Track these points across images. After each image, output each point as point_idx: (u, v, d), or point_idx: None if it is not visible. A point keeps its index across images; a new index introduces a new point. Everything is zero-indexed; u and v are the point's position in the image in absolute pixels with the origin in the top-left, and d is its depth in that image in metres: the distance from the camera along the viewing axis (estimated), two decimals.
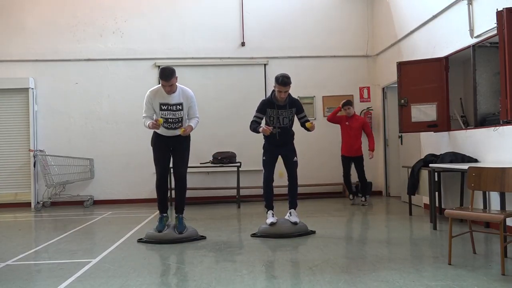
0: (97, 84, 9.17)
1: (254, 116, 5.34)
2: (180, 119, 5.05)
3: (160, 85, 4.98)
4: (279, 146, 5.37)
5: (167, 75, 4.82)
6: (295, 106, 5.34)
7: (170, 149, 5.18)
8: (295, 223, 5.23)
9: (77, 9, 9.19)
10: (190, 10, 9.34)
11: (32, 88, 8.92)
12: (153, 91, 5.05)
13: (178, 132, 5.04)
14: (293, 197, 5.39)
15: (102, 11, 9.21)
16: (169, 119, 5.03)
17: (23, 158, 8.91)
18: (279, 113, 5.27)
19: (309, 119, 5.46)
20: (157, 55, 9.24)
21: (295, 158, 5.39)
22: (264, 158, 5.41)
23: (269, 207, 5.38)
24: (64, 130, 9.08)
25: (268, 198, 5.39)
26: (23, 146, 8.91)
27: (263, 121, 5.39)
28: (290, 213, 5.33)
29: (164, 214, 5.19)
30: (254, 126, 5.28)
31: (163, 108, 5.00)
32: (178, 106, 5.00)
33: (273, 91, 5.28)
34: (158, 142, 5.18)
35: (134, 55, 9.21)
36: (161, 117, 5.01)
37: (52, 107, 9.07)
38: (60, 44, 9.11)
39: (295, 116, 5.38)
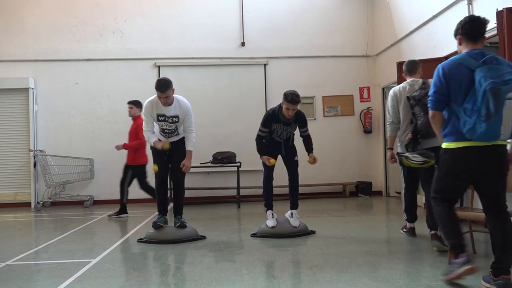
0: (97, 84, 9.17)
1: (260, 131, 5.23)
2: (176, 128, 5.08)
3: (155, 96, 4.94)
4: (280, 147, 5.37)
5: (162, 86, 4.79)
6: (299, 122, 5.27)
7: (167, 153, 5.15)
8: (295, 227, 5.19)
9: (77, 9, 9.19)
10: (190, 10, 9.34)
11: (32, 88, 8.92)
12: (150, 102, 5.00)
13: (176, 139, 5.11)
14: (294, 197, 5.34)
15: (102, 11, 9.22)
16: (166, 130, 5.08)
17: (23, 158, 8.92)
18: (284, 129, 5.23)
19: (308, 133, 5.37)
20: (157, 55, 9.25)
21: (296, 157, 5.34)
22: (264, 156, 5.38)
23: (269, 206, 5.35)
24: (64, 130, 9.08)
25: (268, 198, 5.36)
26: (23, 146, 8.92)
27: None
28: (291, 214, 5.29)
29: (163, 217, 5.16)
30: (260, 146, 5.23)
31: (160, 119, 5.01)
32: (174, 119, 5.01)
33: (280, 106, 5.13)
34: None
35: (134, 55, 9.21)
36: (160, 128, 5.05)
37: (52, 107, 9.07)
38: (60, 44, 9.12)
39: (299, 129, 5.34)
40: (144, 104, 5.05)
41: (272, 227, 5.16)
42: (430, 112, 3.18)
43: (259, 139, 5.23)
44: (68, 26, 9.15)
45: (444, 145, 3.12)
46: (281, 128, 5.21)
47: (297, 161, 5.35)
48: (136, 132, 6.99)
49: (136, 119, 7.07)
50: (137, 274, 3.73)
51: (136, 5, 9.29)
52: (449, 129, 3.06)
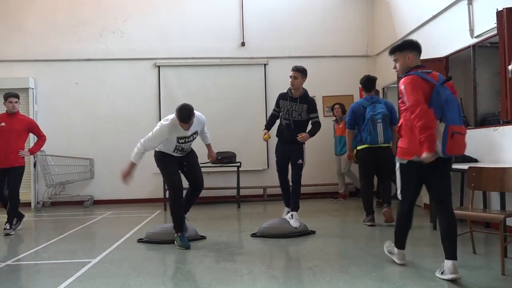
0: (97, 84, 9.16)
1: (272, 110, 5.60)
2: (192, 142, 4.98)
3: (173, 119, 4.64)
4: (288, 142, 5.33)
5: (187, 116, 4.51)
6: (307, 103, 5.31)
7: (179, 162, 4.98)
8: (295, 228, 5.19)
9: (77, 9, 9.18)
10: (190, 10, 9.34)
11: (32, 88, 8.91)
12: (168, 127, 4.63)
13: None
14: (295, 198, 5.35)
15: (102, 11, 9.21)
16: (185, 149, 4.88)
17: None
18: (290, 105, 5.33)
19: (317, 120, 5.43)
20: (157, 55, 9.24)
21: (300, 160, 5.32)
22: (276, 158, 5.52)
23: (287, 204, 5.54)
24: (64, 130, 9.07)
25: (285, 197, 5.60)
26: None
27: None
28: (291, 215, 5.30)
29: (185, 231, 4.86)
30: (268, 121, 5.62)
31: (180, 141, 4.76)
32: (194, 135, 4.88)
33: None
34: (166, 158, 4.89)
35: (134, 55, 9.20)
36: (177, 145, 4.76)
37: (52, 107, 9.07)
38: (60, 44, 9.11)
39: (308, 116, 5.35)
40: (160, 128, 4.66)
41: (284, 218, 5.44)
42: (346, 130, 5.99)
43: (270, 116, 5.66)
44: (68, 26, 9.14)
45: (357, 148, 5.86)
46: (288, 105, 5.34)
47: (300, 164, 5.32)
48: (28, 130, 6.25)
49: (18, 114, 6.19)
50: (137, 274, 3.73)
51: (136, 5, 9.29)
52: (358, 139, 5.82)
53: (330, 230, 5.52)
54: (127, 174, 4.67)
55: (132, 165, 4.67)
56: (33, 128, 6.33)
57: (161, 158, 4.91)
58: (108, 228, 6.29)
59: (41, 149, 8.72)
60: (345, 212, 7.22)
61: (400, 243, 3.74)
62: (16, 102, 6.10)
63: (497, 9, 4.94)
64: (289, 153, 5.37)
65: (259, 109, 9.28)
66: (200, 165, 8.11)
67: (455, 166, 5.08)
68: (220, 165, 8.32)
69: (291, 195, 5.39)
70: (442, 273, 3.32)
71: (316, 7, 9.48)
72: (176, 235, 4.76)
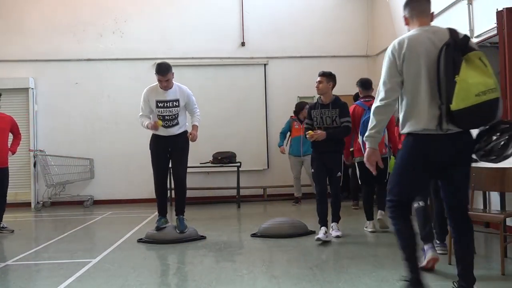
0: (97, 84, 9.16)
1: (305, 124, 5.44)
2: (176, 115, 5.06)
3: (156, 83, 5.02)
4: (324, 152, 5.10)
5: (163, 69, 4.89)
6: (339, 108, 5.13)
7: (168, 150, 5.16)
8: (336, 237, 4.99)
9: (77, 9, 9.18)
10: (190, 10, 9.34)
11: (32, 88, 8.91)
12: (149, 88, 5.13)
13: (176, 131, 5.09)
14: (336, 210, 5.17)
15: (102, 11, 9.21)
16: (166, 116, 5.04)
17: (23, 158, 8.89)
18: (322, 112, 5.13)
19: (348, 125, 5.15)
20: (157, 55, 9.21)
21: (339, 173, 5.15)
22: (312, 170, 5.27)
23: (322, 223, 4.98)
24: (64, 130, 9.06)
25: (321, 214, 5.04)
26: (23, 146, 8.86)
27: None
28: (332, 227, 5.14)
29: (163, 219, 5.15)
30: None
31: (159, 105, 5.01)
32: (174, 103, 5.02)
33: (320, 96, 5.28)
34: (156, 146, 5.14)
35: (134, 55, 9.20)
36: (158, 115, 5.04)
37: (52, 107, 9.07)
38: (60, 44, 9.11)
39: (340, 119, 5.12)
40: (143, 91, 5.13)
41: (318, 238, 4.80)
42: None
43: (305, 129, 5.36)
44: (68, 26, 9.14)
45: None
46: (319, 113, 5.13)
47: (339, 177, 5.15)
48: (11, 128, 6.11)
49: None
50: (137, 274, 3.73)
51: (136, 5, 9.28)
52: None
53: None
54: (151, 125, 4.99)
55: (148, 125, 5.02)
56: (14, 126, 6.18)
57: (152, 145, 5.19)
58: (108, 228, 6.28)
59: (41, 149, 8.83)
60: (345, 212, 7.21)
61: (369, 216, 5.40)
62: None
63: (497, 9, 4.93)
64: (326, 163, 5.14)
65: (259, 109, 9.28)
66: (200, 165, 8.28)
67: None
68: (220, 165, 8.32)
69: (332, 207, 5.15)
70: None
71: (316, 7, 9.48)
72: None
